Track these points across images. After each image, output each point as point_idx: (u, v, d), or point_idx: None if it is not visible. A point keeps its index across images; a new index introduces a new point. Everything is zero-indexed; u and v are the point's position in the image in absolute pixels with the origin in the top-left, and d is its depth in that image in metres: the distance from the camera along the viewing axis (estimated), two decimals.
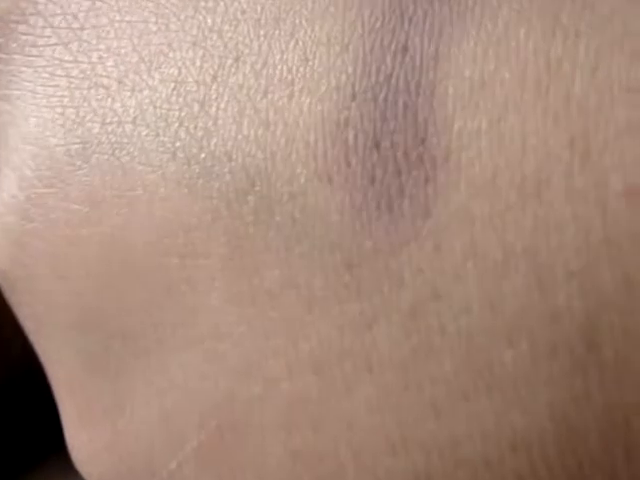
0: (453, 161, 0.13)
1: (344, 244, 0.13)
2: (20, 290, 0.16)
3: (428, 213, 0.13)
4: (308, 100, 0.14)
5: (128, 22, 0.15)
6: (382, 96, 0.13)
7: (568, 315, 0.12)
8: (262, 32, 0.14)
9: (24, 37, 0.16)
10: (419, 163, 0.13)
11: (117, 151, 0.15)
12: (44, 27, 0.16)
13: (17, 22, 0.17)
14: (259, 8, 0.14)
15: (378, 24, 0.14)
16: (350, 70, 0.14)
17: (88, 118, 0.15)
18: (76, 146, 0.15)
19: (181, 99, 0.14)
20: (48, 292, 0.15)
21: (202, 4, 0.15)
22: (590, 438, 0.12)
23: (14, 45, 0.16)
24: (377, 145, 0.13)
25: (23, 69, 0.16)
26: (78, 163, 0.15)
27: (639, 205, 0.12)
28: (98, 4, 0.16)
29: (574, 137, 0.12)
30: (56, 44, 0.16)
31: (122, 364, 0.15)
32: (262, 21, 0.14)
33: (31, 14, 0.16)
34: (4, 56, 0.17)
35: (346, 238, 0.13)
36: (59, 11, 0.16)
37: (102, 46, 0.15)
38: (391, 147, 0.13)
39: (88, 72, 0.15)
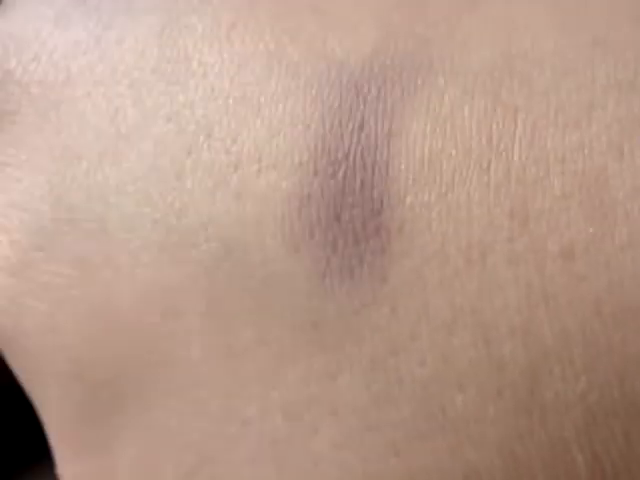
0: (406, 231, 0.15)
1: (310, 306, 0.15)
2: (13, 343, 0.17)
3: (385, 279, 0.15)
4: (274, 176, 0.15)
5: (104, 95, 0.17)
6: (341, 173, 0.15)
7: (512, 365, 0.14)
8: (231, 110, 0.16)
9: (3, 106, 0.17)
10: (376, 234, 0.15)
11: (102, 220, 0.16)
12: (22, 96, 0.17)
13: None
14: (227, 86, 0.16)
15: (336, 104, 0.15)
16: (312, 148, 0.15)
17: (73, 187, 0.16)
18: (63, 214, 0.16)
19: (158, 173, 0.16)
20: (40, 346, 0.17)
21: (173, 80, 0.16)
22: (535, 471, 0.14)
23: None
24: (338, 218, 0.15)
25: (5, 137, 0.17)
26: (66, 229, 0.16)
27: (573, 265, 0.14)
28: (73, 76, 0.17)
29: (514, 206, 0.14)
30: (35, 114, 0.17)
31: (109, 411, 0.16)
32: (230, 99, 0.16)
33: (8, 83, 0.18)
34: None
35: (312, 301, 0.15)
36: (36, 81, 0.17)
37: (80, 119, 0.17)
38: (350, 220, 0.15)
39: (69, 143, 0.17)
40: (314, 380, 0.15)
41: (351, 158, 0.15)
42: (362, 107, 0.15)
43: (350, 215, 0.15)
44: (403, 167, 0.15)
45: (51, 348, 0.17)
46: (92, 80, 0.17)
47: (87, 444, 0.17)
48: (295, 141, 0.15)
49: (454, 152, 0.15)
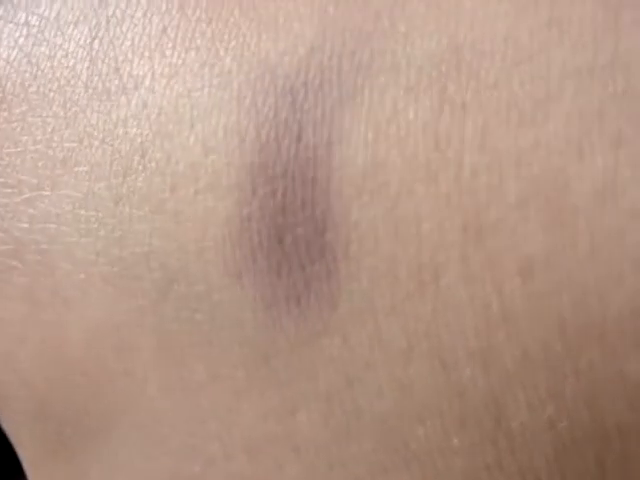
0: (352, 253, 0.14)
1: (258, 339, 0.14)
2: None
3: (334, 305, 0.14)
4: (212, 197, 0.14)
5: (39, 116, 0.16)
6: (280, 191, 0.14)
7: (473, 392, 0.13)
8: (163, 127, 0.15)
9: None
10: (321, 256, 0.14)
11: (46, 252, 0.15)
12: None
13: None
14: (159, 100, 0.15)
15: (271, 114, 0.14)
16: (248, 164, 0.14)
17: (16, 218, 0.16)
18: (9, 247, 0.16)
19: (96, 199, 0.15)
20: (4, 384, 0.16)
21: (105, 97, 0.15)
22: None
23: None
24: (280, 241, 0.14)
25: None
26: (13, 263, 0.16)
27: (533, 283, 0.13)
28: (8, 97, 0.16)
29: (466, 219, 0.13)
30: None
31: (74, 448, 0.16)
32: (162, 115, 0.15)
33: None
34: None
35: (260, 333, 0.14)
36: None
37: (18, 144, 0.16)
38: (293, 242, 0.14)
39: (8, 171, 0.16)
40: (272, 417, 0.14)
41: (290, 173, 0.14)
42: (299, 116, 0.14)
43: (293, 237, 0.14)
44: (345, 180, 0.14)
45: (15, 387, 0.16)
46: (26, 100, 0.16)
47: (57, 478, 0.16)
48: (230, 158, 0.14)
49: (399, 160, 0.13)
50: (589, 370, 0.13)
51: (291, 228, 0.14)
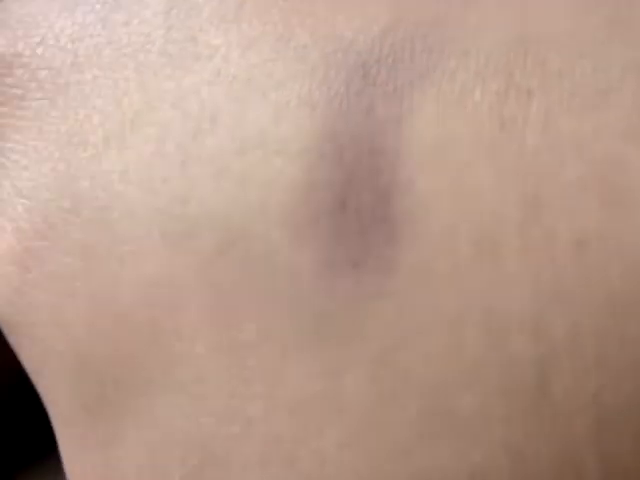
0: (415, 221, 0.14)
1: (314, 300, 0.15)
2: (19, 334, 0.17)
3: (392, 270, 0.14)
4: (279, 161, 0.15)
5: (110, 79, 0.16)
6: (348, 158, 0.15)
7: (521, 360, 0.14)
8: (236, 94, 0.15)
9: (12, 90, 0.18)
10: (383, 223, 0.14)
11: (106, 208, 0.16)
12: (30, 81, 0.17)
13: (4, 75, 0.18)
14: (233, 69, 0.16)
15: (343, 87, 0.15)
16: (318, 132, 0.15)
17: (78, 175, 0.16)
18: (68, 202, 0.16)
19: (162, 159, 0.16)
20: (46, 338, 0.17)
21: (179, 63, 0.16)
22: (542, 469, 0.14)
23: (2, 98, 0.18)
24: (344, 206, 0.15)
25: (13, 122, 0.17)
26: (71, 218, 0.16)
27: (586, 255, 0.14)
28: (80, 59, 0.17)
29: (526, 194, 0.14)
30: (43, 98, 0.17)
31: (115, 407, 0.16)
32: (235, 83, 0.15)
33: (17, 67, 0.18)
34: None
35: (316, 295, 0.15)
36: (43, 65, 0.17)
37: (87, 103, 0.17)
38: (357, 208, 0.14)
39: (76, 129, 0.16)
40: (319, 377, 0.15)
41: (358, 143, 0.15)
42: (370, 89, 0.15)
43: (357, 203, 0.15)
44: (413, 152, 0.14)
45: (57, 342, 0.17)
46: (99, 64, 0.17)
47: (95, 440, 0.17)
48: (301, 125, 0.15)
49: (465, 137, 0.14)
50: (635, 341, 0.13)
51: (356, 195, 0.15)
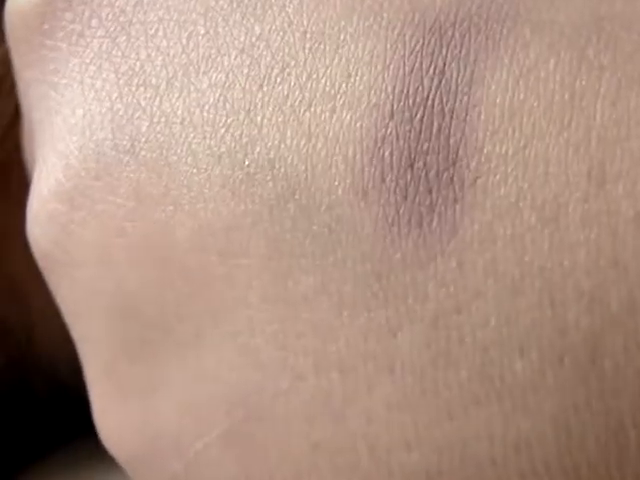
0: (480, 183, 0.15)
1: (375, 255, 0.15)
2: (61, 273, 0.17)
3: (455, 231, 0.15)
4: (349, 116, 0.15)
5: (177, 22, 0.17)
6: (418, 117, 0.15)
7: (575, 330, 0.14)
8: (308, 45, 0.16)
9: (71, 26, 0.18)
10: (449, 183, 0.15)
11: (165, 150, 0.16)
12: (91, 17, 0.18)
13: (63, 10, 0.18)
14: (305, 21, 0.16)
15: (418, 47, 0.15)
16: (389, 89, 0.15)
17: (137, 115, 0.16)
18: (124, 142, 0.17)
19: (228, 105, 0.16)
20: (90, 278, 0.17)
21: (250, 10, 0.16)
22: (587, 442, 0.14)
23: (61, 33, 0.18)
24: (411, 164, 0.15)
25: (70, 58, 0.18)
26: (126, 159, 0.16)
27: None
28: (146, 1, 0.17)
29: (592, 166, 0.14)
30: (104, 36, 0.17)
31: (159, 352, 0.17)
32: (308, 34, 0.16)
33: (78, 3, 0.18)
34: (50, 42, 0.18)
35: (377, 250, 0.15)
36: (106, 3, 0.18)
37: (150, 44, 0.17)
38: (424, 167, 0.15)
39: (137, 69, 0.17)
40: (373, 335, 0.15)
41: (429, 103, 0.15)
42: (444, 52, 0.15)
43: (424, 162, 0.15)
44: (483, 116, 0.15)
45: (101, 281, 0.17)
46: (165, 5, 0.17)
47: (133, 383, 0.17)
48: (373, 82, 0.15)
49: (535, 105, 0.15)
50: None
51: (424, 153, 0.15)
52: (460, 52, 0.15)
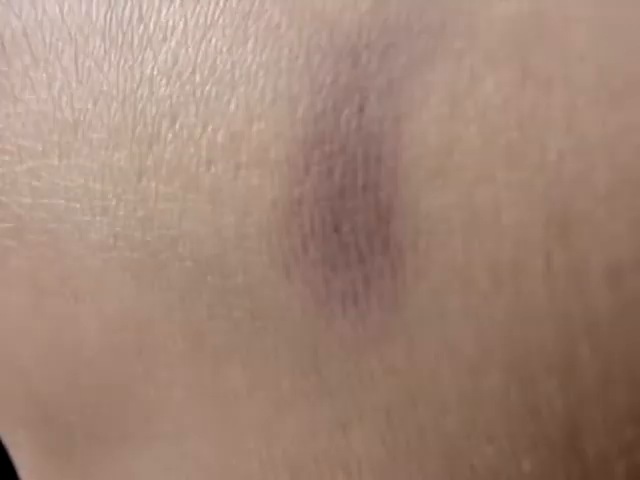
0: (421, 245, 0.12)
1: (309, 342, 0.13)
2: None
3: (398, 307, 0.12)
4: (256, 173, 0.13)
5: (45, 71, 0.14)
6: (339, 169, 0.13)
7: (548, 410, 0.12)
8: (199, 90, 0.13)
9: None
10: (384, 249, 0.12)
11: (53, 231, 0.14)
12: None
13: None
14: (193, 55, 0.13)
15: (329, 78, 0.13)
16: (300, 137, 0.13)
17: (16, 191, 0.14)
18: (8, 225, 0.14)
19: (115, 172, 0.13)
20: (6, 386, 0.15)
21: (127, 49, 0.14)
22: None
23: None
24: (337, 228, 0.13)
25: None
26: (13, 244, 0.14)
27: (620, 290, 0.12)
28: (8, 47, 0.15)
29: (551, 211, 0.12)
30: None
31: (83, 454, 0.15)
32: (197, 75, 0.13)
33: None
34: None
35: (310, 336, 0.13)
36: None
37: (18, 102, 0.15)
38: (352, 230, 0.12)
39: (7, 135, 0.15)
40: (320, 432, 0.13)
41: (350, 150, 0.12)
42: (362, 82, 0.13)
43: (352, 224, 0.12)
44: (415, 160, 0.12)
45: (17, 389, 0.16)
46: (29, 51, 0.15)
47: None
48: (279, 128, 0.13)
49: (477, 140, 0.12)
50: None
51: (350, 214, 0.12)
52: (380, 80, 0.12)
